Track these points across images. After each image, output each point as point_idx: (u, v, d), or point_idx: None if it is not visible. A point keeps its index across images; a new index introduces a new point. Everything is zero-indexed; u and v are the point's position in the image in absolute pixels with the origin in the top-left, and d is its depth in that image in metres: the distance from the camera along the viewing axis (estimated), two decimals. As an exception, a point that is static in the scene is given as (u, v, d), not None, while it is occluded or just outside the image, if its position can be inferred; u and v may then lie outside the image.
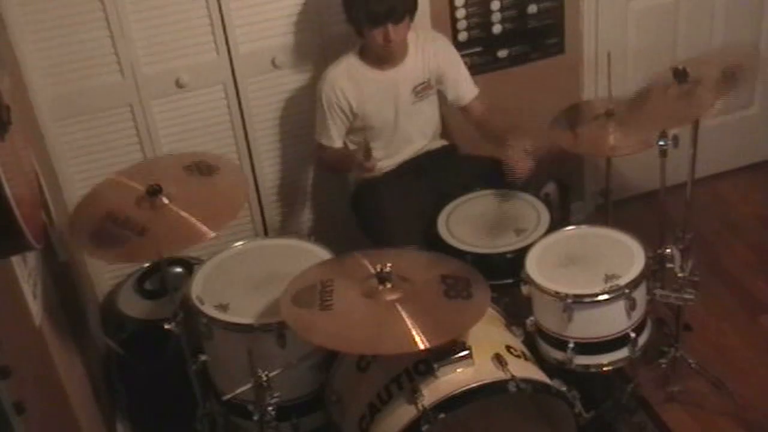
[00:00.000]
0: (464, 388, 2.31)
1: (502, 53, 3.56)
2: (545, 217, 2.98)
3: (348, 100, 3.08)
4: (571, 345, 2.66)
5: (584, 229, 2.90)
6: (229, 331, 2.59)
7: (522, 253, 2.78)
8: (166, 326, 2.60)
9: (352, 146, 3.22)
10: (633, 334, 2.67)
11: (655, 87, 2.78)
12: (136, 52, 3.11)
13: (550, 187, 3.18)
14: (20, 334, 2.11)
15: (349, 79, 3.08)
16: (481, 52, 3.52)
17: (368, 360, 2.53)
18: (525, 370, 2.43)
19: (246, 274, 2.76)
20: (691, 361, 3.01)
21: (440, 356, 2.35)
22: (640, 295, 2.65)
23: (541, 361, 2.67)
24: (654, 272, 2.81)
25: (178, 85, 3.20)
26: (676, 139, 2.78)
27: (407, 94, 3.14)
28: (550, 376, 2.49)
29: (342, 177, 3.41)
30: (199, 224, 2.37)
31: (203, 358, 2.69)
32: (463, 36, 3.47)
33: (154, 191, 2.44)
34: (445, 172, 3.22)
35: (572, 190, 3.70)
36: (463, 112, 3.28)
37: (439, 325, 2.28)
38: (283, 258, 2.82)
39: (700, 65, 2.72)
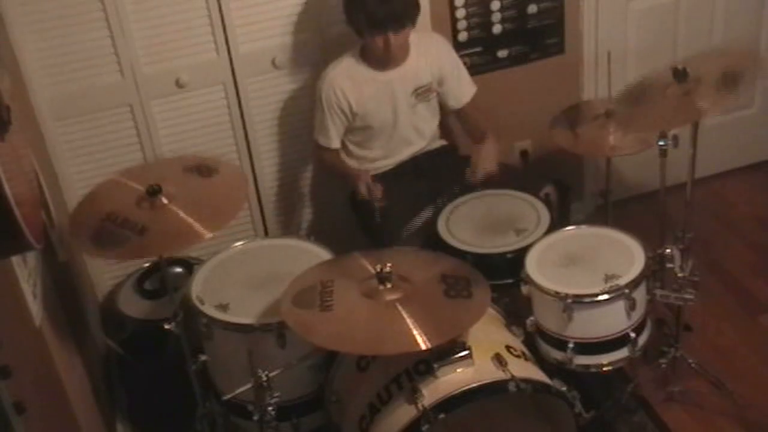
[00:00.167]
0: (464, 388, 2.31)
1: (502, 53, 3.56)
2: (545, 217, 2.98)
3: (348, 100, 3.08)
4: (571, 345, 2.66)
5: (584, 229, 2.90)
6: (229, 331, 2.59)
7: (522, 253, 2.78)
8: (166, 326, 2.60)
9: (351, 147, 3.22)
10: (633, 334, 2.67)
11: (653, 84, 2.77)
12: (136, 52, 3.11)
13: (550, 188, 3.18)
14: (20, 334, 2.11)
15: (349, 79, 3.08)
16: (481, 52, 3.52)
17: (368, 360, 2.53)
18: (525, 370, 2.43)
19: (246, 274, 2.76)
20: (691, 361, 3.01)
21: (440, 356, 2.35)
22: (640, 295, 2.65)
23: (541, 361, 2.67)
24: (654, 272, 2.81)
25: (178, 85, 3.20)
26: (676, 139, 2.79)
27: (407, 96, 3.14)
28: (550, 376, 2.49)
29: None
30: (197, 225, 2.37)
31: (203, 358, 2.69)
32: (463, 36, 3.47)
33: (154, 191, 2.44)
34: (444, 172, 3.22)
35: (572, 190, 3.70)
36: (458, 112, 3.28)
37: (439, 324, 2.28)
38: (283, 258, 2.82)
39: (700, 65, 2.72)
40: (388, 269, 2.36)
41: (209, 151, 3.33)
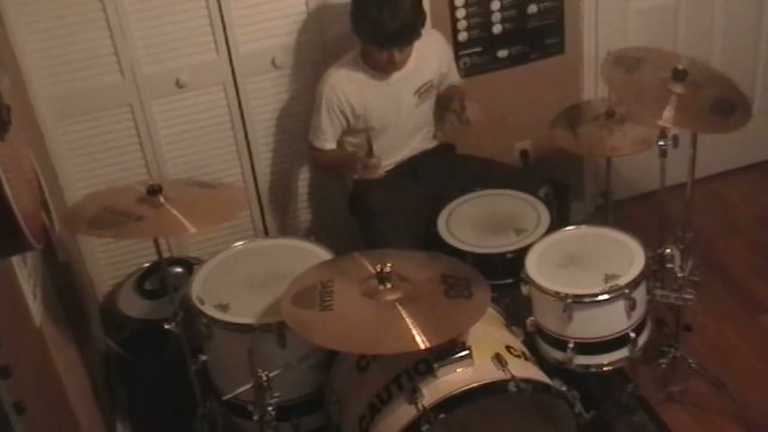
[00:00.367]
0: (464, 388, 2.31)
1: (502, 53, 3.56)
2: (545, 217, 2.98)
3: (350, 103, 3.07)
4: (571, 345, 2.66)
5: (584, 229, 2.90)
6: (229, 331, 2.59)
7: (522, 253, 2.78)
8: (166, 326, 2.61)
9: (350, 148, 3.22)
10: (633, 334, 2.67)
11: (650, 67, 2.77)
12: (136, 52, 3.11)
13: (549, 188, 3.18)
14: (20, 334, 2.11)
15: (352, 82, 3.07)
16: (481, 52, 3.52)
17: (368, 360, 2.53)
18: (525, 370, 2.44)
19: (246, 274, 2.76)
20: (691, 361, 3.01)
21: (440, 356, 2.35)
22: (640, 295, 2.65)
23: (541, 361, 2.67)
24: (654, 272, 2.81)
25: (178, 85, 3.20)
26: (676, 139, 2.79)
27: (410, 97, 3.14)
28: (550, 376, 2.49)
29: (341, 177, 3.41)
30: (185, 221, 2.41)
31: (203, 358, 2.69)
32: (463, 36, 3.47)
33: (154, 191, 2.46)
34: (442, 172, 3.23)
35: (572, 190, 3.71)
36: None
37: (439, 324, 2.28)
38: (283, 258, 2.82)
39: (701, 71, 2.72)
40: (388, 269, 2.36)
41: (209, 151, 3.34)
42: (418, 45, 3.11)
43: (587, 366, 2.70)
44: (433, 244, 2.95)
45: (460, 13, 3.43)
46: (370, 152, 2.88)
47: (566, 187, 3.54)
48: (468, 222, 3.03)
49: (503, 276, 2.82)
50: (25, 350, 2.11)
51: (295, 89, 3.35)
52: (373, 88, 3.08)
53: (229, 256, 2.87)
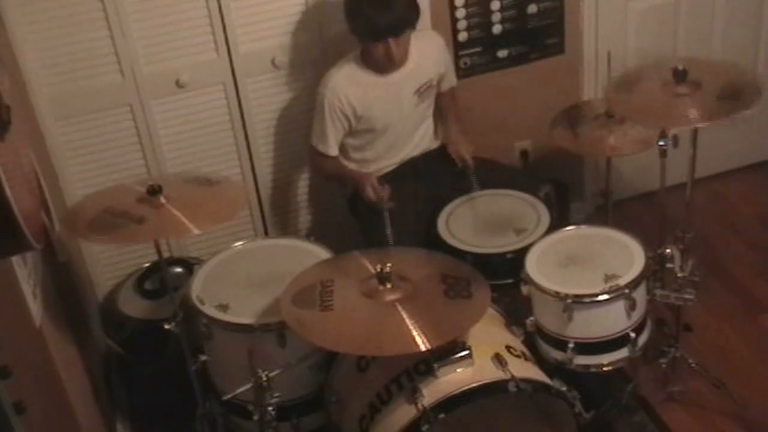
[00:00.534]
0: (464, 388, 2.31)
1: (502, 53, 3.56)
2: (545, 217, 2.98)
3: (352, 105, 3.07)
4: (571, 345, 2.66)
5: (584, 229, 2.90)
6: (229, 331, 2.59)
7: (522, 253, 2.78)
8: (166, 326, 2.61)
9: (351, 150, 3.22)
10: (633, 334, 2.67)
11: (650, 76, 2.78)
12: (136, 52, 3.11)
13: (549, 187, 3.18)
14: (20, 334, 2.11)
15: (353, 84, 3.07)
16: (481, 52, 3.52)
17: (368, 360, 2.53)
18: (525, 370, 2.43)
19: (246, 274, 2.76)
20: (691, 361, 3.01)
21: (440, 356, 2.35)
22: (640, 295, 2.65)
23: (541, 361, 2.67)
24: (654, 272, 2.80)
25: (178, 85, 3.20)
26: (676, 139, 2.78)
27: (410, 96, 3.14)
28: (550, 376, 2.49)
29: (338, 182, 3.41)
30: (187, 222, 2.41)
31: (203, 358, 2.69)
32: (463, 36, 3.47)
33: (154, 191, 2.46)
34: (442, 172, 3.23)
35: (572, 190, 3.71)
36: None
37: (439, 325, 2.28)
38: (283, 258, 2.82)
39: (701, 69, 2.72)
40: (388, 269, 2.36)
41: (209, 151, 3.34)
42: (417, 44, 3.11)
43: (587, 366, 2.70)
44: (433, 244, 2.95)
45: (460, 13, 3.43)
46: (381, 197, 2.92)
47: (566, 187, 3.54)
48: (468, 222, 3.03)
49: (503, 276, 2.82)
50: (25, 350, 2.11)
51: (295, 89, 3.35)
52: (374, 88, 3.08)
53: (229, 256, 2.87)
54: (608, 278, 2.62)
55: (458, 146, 3.17)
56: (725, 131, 3.96)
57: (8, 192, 1.61)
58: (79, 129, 3.18)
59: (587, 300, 2.59)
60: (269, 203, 3.52)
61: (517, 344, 2.59)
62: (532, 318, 2.72)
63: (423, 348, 2.20)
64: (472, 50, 3.50)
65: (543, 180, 3.19)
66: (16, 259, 2.15)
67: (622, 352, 2.70)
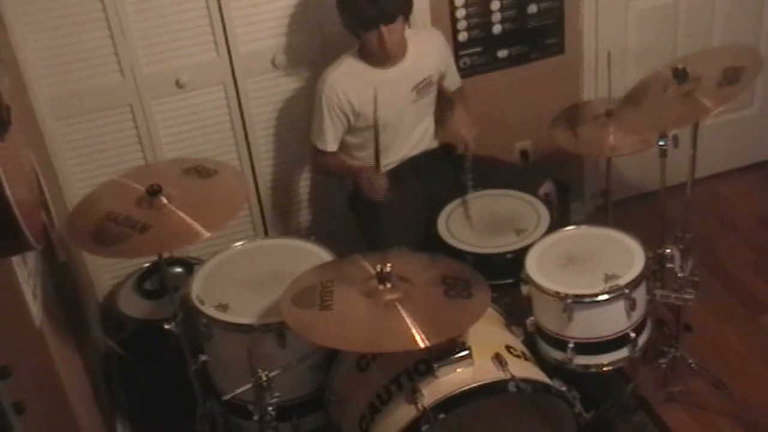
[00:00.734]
0: (464, 388, 2.31)
1: (502, 53, 3.56)
2: (545, 217, 2.98)
3: (350, 101, 3.07)
4: (571, 345, 2.66)
5: (584, 229, 2.90)
6: (229, 331, 2.59)
7: (522, 253, 2.78)
8: (166, 326, 2.60)
9: (351, 148, 3.22)
10: (633, 334, 2.67)
11: (653, 85, 2.78)
12: (136, 52, 3.12)
13: (549, 187, 3.18)
14: (20, 334, 2.11)
15: (350, 80, 3.07)
16: (481, 52, 3.52)
17: (368, 360, 2.53)
18: (525, 370, 2.44)
19: (246, 274, 2.76)
20: (691, 361, 3.01)
21: (440, 356, 2.35)
22: (640, 295, 2.65)
23: (541, 361, 2.67)
24: (654, 272, 2.81)
25: (178, 85, 3.20)
26: (676, 139, 2.79)
27: (408, 93, 3.14)
28: (550, 376, 2.49)
29: (340, 178, 3.41)
30: (196, 225, 2.38)
31: (203, 358, 2.69)
32: (463, 36, 3.47)
33: (154, 191, 2.45)
34: (442, 172, 3.22)
35: (572, 190, 3.71)
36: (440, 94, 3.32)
37: (439, 324, 2.28)
38: (283, 258, 2.82)
39: (700, 63, 2.72)
40: (388, 269, 2.36)
41: (209, 151, 3.33)
42: (416, 41, 3.11)
43: (587, 366, 2.70)
44: (433, 244, 2.95)
45: (460, 13, 3.43)
46: (377, 165, 2.87)
47: (566, 187, 3.54)
48: (468, 222, 3.03)
49: (503, 276, 2.82)
50: (25, 350, 2.11)
51: (295, 89, 3.36)
52: (372, 83, 3.08)
53: (229, 256, 2.87)
54: (608, 278, 2.62)
55: (461, 127, 3.14)
56: (725, 131, 3.97)
57: (8, 192, 1.61)
58: (79, 129, 3.18)
59: (587, 300, 2.60)
60: (269, 203, 3.53)
61: (517, 344, 2.59)
62: (532, 318, 2.73)
63: (423, 347, 2.20)
64: (472, 50, 3.50)
65: (543, 180, 3.18)
66: (16, 259, 2.15)
67: (622, 352, 2.70)
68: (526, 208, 3.05)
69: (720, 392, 2.97)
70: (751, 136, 4.07)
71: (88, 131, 3.20)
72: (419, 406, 2.29)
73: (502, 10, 3.46)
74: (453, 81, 3.31)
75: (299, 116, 3.37)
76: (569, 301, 2.59)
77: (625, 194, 3.78)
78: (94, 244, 2.44)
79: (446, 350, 2.35)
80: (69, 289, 2.90)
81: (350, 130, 3.17)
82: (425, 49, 3.16)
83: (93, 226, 2.44)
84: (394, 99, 3.12)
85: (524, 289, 2.73)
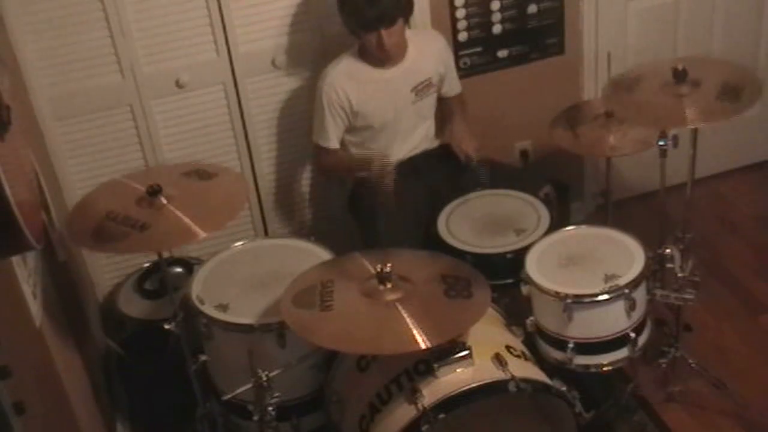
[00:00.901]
0: (464, 388, 2.31)
1: (502, 53, 3.56)
2: (545, 217, 2.98)
3: (349, 99, 3.07)
4: (571, 345, 2.66)
5: (584, 229, 2.90)
6: (229, 331, 2.59)
7: (522, 253, 2.78)
8: (166, 326, 2.60)
9: (351, 147, 3.22)
10: (633, 334, 2.67)
11: (650, 76, 2.77)
12: (136, 52, 3.12)
13: (548, 188, 3.18)
14: (20, 334, 2.11)
15: (350, 78, 3.07)
16: (481, 52, 3.52)
17: (368, 360, 2.53)
18: (525, 370, 2.44)
19: (246, 274, 2.76)
20: (691, 361, 3.01)
21: (440, 356, 2.35)
22: (640, 295, 2.65)
23: (541, 361, 2.67)
24: (654, 272, 2.80)
25: (178, 85, 3.20)
26: (675, 139, 2.79)
27: (407, 94, 3.14)
28: (550, 376, 2.49)
29: (341, 177, 3.41)
30: (194, 225, 2.39)
31: (203, 358, 2.69)
32: (463, 36, 3.47)
33: (154, 191, 2.45)
34: (442, 172, 3.23)
35: (572, 190, 3.71)
36: (440, 100, 3.32)
37: (439, 324, 2.28)
38: (283, 258, 2.82)
39: (700, 68, 2.72)
40: (388, 269, 2.36)
41: (209, 151, 3.34)
42: (416, 42, 3.11)
43: (587, 366, 2.70)
44: (433, 244, 2.95)
45: (460, 13, 3.43)
46: (384, 173, 2.93)
47: (566, 187, 3.54)
48: (468, 222, 3.03)
49: (503, 276, 2.81)
50: (25, 350, 2.11)
51: (295, 89, 3.36)
52: (370, 82, 3.09)
53: (229, 256, 2.87)
54: (608, 278, 2.62)
55: (462, 142, 3.16)
56: (725, 131, 3.96)
57: (8, 192, 1.61)
58: (79, 129, 3.18)
59: (587, 300, 2.59)
60: (269, 203, 3.52)
61: (517, 344, 2.59)
62: (532, 318, 2.72)
63: (423, 347, 2.20)
64: (472, 50, 3.51)
65: (543, 180, 3.18)
66: (16, 259, 2.15)
67: (622, 352, 2.70)
68: (526, 208, 3.05)
69: (720, 392, 2.97)
70: (751, 136, 4.07)
71: (88, 131, 3.20)
72: (419, 406, 2.29)
73: (502, 10, 3.46)
74: (452, 86, 3.30)
75: (299, 116, 3.37)
76: (569, 301, 2.59)
77: (625, 194, 3.78)
78: (93, 241, 2.45)
79: (446, 350, 2.35)
80: (69, 289, 2.90)
81: (350, 129, 3.17)
82: (426, 50, 3.16)
83: (93, 224, 2.45)
84: (393, 99, 3.12)
85: (524, 289, 2.72)
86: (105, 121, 3.20)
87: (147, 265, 3.30)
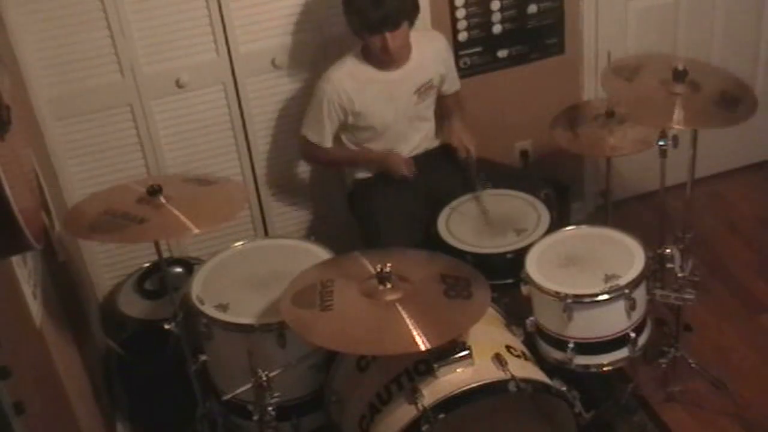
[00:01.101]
0: (464, 388, 2.31)
1: (502, 53, 3.56)
2: (545, 217, 2.98)
3: (351, 100, 3.07)
4: (571, 345, 2.66)
5: (584, 229, 2.90)
6: (229, 331, 2.59)
7: (522, 253, 2.78)
8: (166, 326, 2.61)
9: (351, 147, 3.22)
10: (633, 334, 2.67)
11: (649, 69, 2.78)
12: (136, 52, 3.11)
13: (549, 188, 3.17)
14: (20, 334, 2.11)
15: (353, 80, 3.07)
16: (481, 52, 3.52)
17: (368, 360, 2.53)
18: (525, 370, 2.44)
19: (246, 274, 2.76)
20: (691, 361, 3.01)
21: (440, 356, 2.35)
22: (640, 295, 2.65)
23: (541, 361, 2.67)
24: (654, 272, 2.81)
25: (178, 85, 3.20)
26: (675, 139, 2.79)
27: (409, 96, 3.14)
28: (550, 376, 2.49)
29: (340, 176, 3.41)
30: (189, 222, 2.41)
31: (203, 358, 2.69)
32: (463, 36, 3.47)
33: (155, 191, 2.46)
34: (442, 172, 3.23)
35: (572, 190, 3.71)
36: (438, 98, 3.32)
37: (439, 325, 2.28)
38: (283, 258, 2.82)
39: (701, 72, 2.72)
40: (388, 269, 2.36)
41: (209, 151, 3.34)
42: (419, 44, 3.11)
43: (587, 366, 2.70)
44: (433, 244, 2.95)
45: (460, 13, 3.43)
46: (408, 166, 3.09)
47: (566, 187, 3.54)
48: (468, 222, 3.03)
49: (503, 276, 2.82)
50: (25, 350, 2.11)
51: (296, 89, 3.35)
52: (374, 85, 3.08)
53: (229, 256, 2.87)
54: (608, 278, 2.62)
55: (461, 138, 3.17)
56: (725, 131, 3.94)
57: (8, 192, 1.61)
58: (79, 129, 3.18)
59: (587, 300, 2.60)
60: (269, 203, 3.52)
61: (517, 344, 2.59)
62: (532, 318, 2.73)
63: (422, 348, 2.20)
64: (472, 50, 3.50)
65: (544, 180, 3.19)
66: (16, 259, 2.15)
67: (622, 352, 2.70)
68: (526, 208, 3.05)
69: (720, 392, 2.97)
70: (751, 136, 4.07)
71: (88, 131, 3.19)
72: (419, 406, 2.29)
73: (502, 10, 3.46)
74: (452, 84, 3.31)
75: (299, 116, 3.36)
76: (569, 301, 2.59)
77: (625, 194, 3.79)
78: (89, 231, 2.47)
79: (446, 350, 2.35)
80: (69, 289, 2.90)
81: (349, 128, 3.17)
82: (428, 52, 3.15)
83: (92, 218, 2.46)
84: (395, 101, 3.12)
85: (524, 289, 2.73)
86: (105, 121, 3.20)
87: (147, 265, 3.30)
